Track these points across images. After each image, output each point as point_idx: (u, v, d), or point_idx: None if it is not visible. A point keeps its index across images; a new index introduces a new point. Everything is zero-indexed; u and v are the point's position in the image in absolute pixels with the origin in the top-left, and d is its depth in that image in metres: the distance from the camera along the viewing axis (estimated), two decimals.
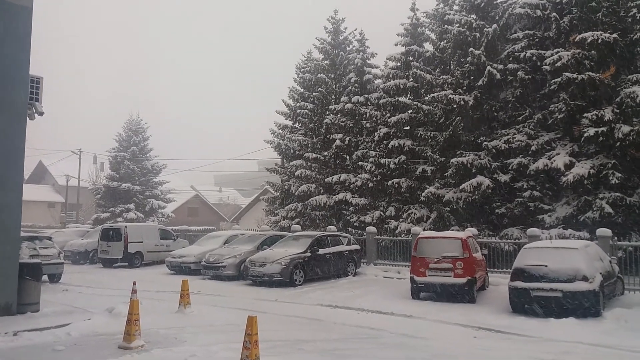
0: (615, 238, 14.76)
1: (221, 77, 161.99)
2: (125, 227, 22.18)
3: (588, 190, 17.40)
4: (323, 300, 13.06)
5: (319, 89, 28.72)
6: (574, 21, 19.34)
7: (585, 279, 10.62)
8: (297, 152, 28.78)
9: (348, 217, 24.66)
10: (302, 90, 30.63)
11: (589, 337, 9.10)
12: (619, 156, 17.50)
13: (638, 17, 17.93)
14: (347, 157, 26.82)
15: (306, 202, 26.18)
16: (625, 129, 16.62)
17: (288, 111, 31.27)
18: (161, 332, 8.99)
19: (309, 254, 16.15)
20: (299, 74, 31.96)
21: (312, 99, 28.98)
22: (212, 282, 16.88)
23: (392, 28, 27.27)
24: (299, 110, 29.28)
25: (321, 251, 16.65)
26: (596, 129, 16.99)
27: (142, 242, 22.23)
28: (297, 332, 9.43)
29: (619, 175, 16.70)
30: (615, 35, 17.72)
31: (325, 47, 29.73)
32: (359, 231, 22.23)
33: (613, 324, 10.13)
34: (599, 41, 17.59)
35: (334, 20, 29.89)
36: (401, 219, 22.13)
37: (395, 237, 20.24)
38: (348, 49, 30.08)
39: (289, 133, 30.63)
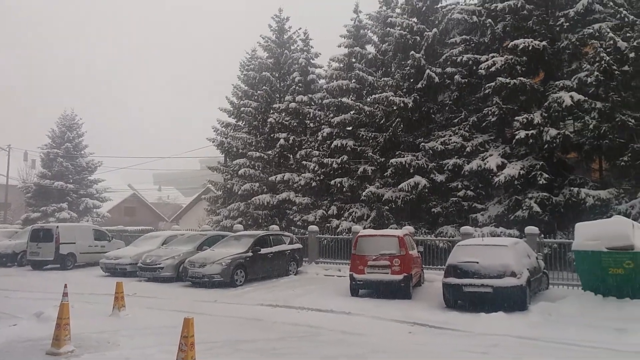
0: (542, 235, 15.64)
1: (161, 72, 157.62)
2: (57, 227, 21.14)
3: (518, 190, 18.33)
4: (264, 299, 13.02)
5: (264, 87, 28.60)
6: (507, 28, 20.32)
7: (513, 274, 11.11)
8: (240, 151, 28.52)
9: (291, 216, 24.71)
10: (246, 88, 30.37)
11: (517, 330, 9.52)
12: (547, 158, 18.57)
13: (565, 27, 19.09)
14: (291, 156, 26.86)
15: (249, 201, 26.02)
16: (553, 132, 17.64)
17: (232, 109, 30.94)
18: (93, 337, 8.67)
19: (250, 254, 16.05)
20: (243, 72, 31.68)
21: (256, 97, 28.80)
22: (149, 284, 16.42)
23: (336, 29, 27.59)
24: (242, 109, 29.02)
25: (263, 251, 16.59)
26: (526, 132, 17.93)
27: (74, 243, 21.26)
28: (236, 333, 9.37)
29: (546, 176, 17.71)
30: (544, 43, 18.76)
31: (270, 46, 29.63)
32: (302, 230, 22.34)
33: (538, 317, 10.61)
34: (530, 48, 18.57)
35: (279, 19, 29.84)
36: (343, 218, 22.45)
37: (336, 236, 20.50)
38: (292, 48, 30.09)
39: (232, 131, 30.29)
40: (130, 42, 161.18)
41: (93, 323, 9.66)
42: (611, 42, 17.02)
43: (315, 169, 24.12)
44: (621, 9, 17.87)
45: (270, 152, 26.87)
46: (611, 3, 18.33)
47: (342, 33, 26.20)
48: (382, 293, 13.18)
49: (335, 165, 23.44)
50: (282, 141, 26.08)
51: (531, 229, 15.37)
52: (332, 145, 23.72)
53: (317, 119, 26.03)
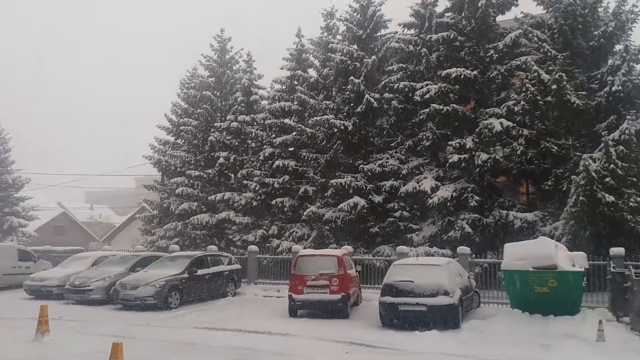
0: (473, 255, 16.28)
1: (97, 84, 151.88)
2: None
3: (451, 212, 19.06)
4: (199, 322, 12.69)
5: (204, 105, 28.31)
6: (441, 58, 21.36)
7: (446, 293, 11.45)
8: (178, 169, 27.94)
9: (231, 236, 24.38)
10: (186, 106, 29.91)
11: (450, 348, 9.80)
12: (478, 181, 19.47)
13: (495, 58, 20.33)
14: (232, 175, 26.61)
15: (187, 221, 25.44)
16: (484, 156, 18.58)
17: (170, 126, 30.30)
18: None
19: (186, 275, 15.65)
20: (183, 90, 31.19)
21: (196, 116, 28.43)
22: (78, 307, 15.60)
23: (279, 52, 27.90)
24: (182, 127, 28.54)
25: (200, 272, 16.21)
26: (459, 156, 18.77)
27: None
28: (169, 357, 9.07)
29: (477, 198, 18.56)
30: (475, 72, 19.85)
31: (212, 65, 29.45)
32: (242, 250, 22.06)
33: (470, 334, 10.98)
34: (462, 77, 19.58)
35: (221, 39, 29.78)
36: (283, 238, 22.42)
37: (277, 256, 20.40)
38: (235, 68, 30.05)
39: (170, 149, 29.61)
40: (60, 57, 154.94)
41: (14, 350, 9.08)
42: (535, 74, 18.28)
43: (257, 188, 24.03)
44: (544, 44, 19.27)
45: (210, 170, 26.49)
46: (535, 38, 19.74)
47: (284, 56, 26.55)
48: (320, 313, 13.22)
49: (276, 185, 23.45)
50: (222, 160, 25.82)
51: (463, 249, 15.97)
52: (274, 165, 23.76)
53: (259, 138, 26.04)
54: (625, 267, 12.71)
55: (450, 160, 19.01)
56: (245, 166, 25.70)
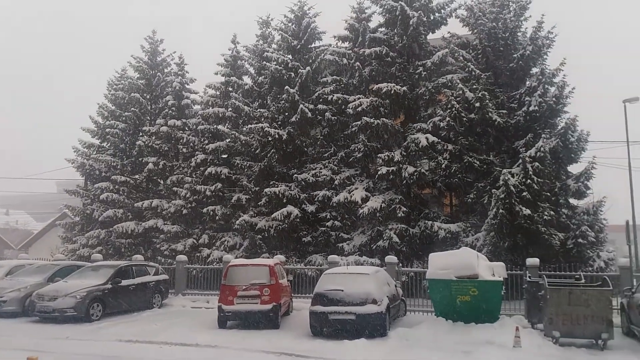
0: (400, 264, 16.81)
1: (18, 81, 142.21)
2: None
3: (380, 222, 19.60)
4: (123, 335, 12.16)
5: (133, 108, 27.34)
6: (373, 72, 22.03)
7: (374, 302, 11.70)
8: (103, 174, 26.77)
9: (158, 246, 23.63)
10: (113, 108, 28.75)
11: (377, 356, 10.03)
12: (405, 192, 20.17)
13: (423, 75, 21.23)
14: (161, 181, 25.86)
15: (111, 228, 24.40)
16: (411, 169, 19.30)
17: (96, 129, 28.93)
18: None
19: (109, 286, 14.97)
20: (110, 91, 29.94)
21: (124, 118, 27.40)
22: None
23: (214, 56, 27.53)
24: (109, 129, 27.40)
25: (124, 282, 15.56)
26: (387, 168, 19.39)
27: None
28: None
29: (405, 209, 19.23)
30: (405, 88, 20.63)
31: (142, 67, 28.51)
32: (170, 260, 21.43)
33: (397, 342, 11.26)
34: (392, 92, 20.27)
35: (152, 41, 28.94)
36: (214, 247, 22.05)
37: (206, 266, 19.98)
38: (166, 71, 29.27)
39: (95, 152, 28.27)
40: None
41: None
42: (460, 92, 19.28)
43: (187, 195, 23.48)
44: (469, 64, 20.37)
45: (137, 176, 25.59)
46: (461, 57, 20.82)
47: (219, 62, 26.24)
48: (251, 324, 13.08)
49: (208, 193, 23.04)
50: (151, 165, 25.03)
51: (391, 258, 16.43)
52: (206, 172, 23.35)
53: (191, 144, 25.50)
54: (539, 276, 13.58)
55: (379, 172, 19.59)
56: (175, 172, 25.08)
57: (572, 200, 18.99)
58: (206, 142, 24.60)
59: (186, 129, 26.13)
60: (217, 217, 22.65)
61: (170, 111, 26.39)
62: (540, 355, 9.95)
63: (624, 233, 17.29)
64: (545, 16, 20.52)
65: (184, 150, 25.92)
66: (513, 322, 11.98)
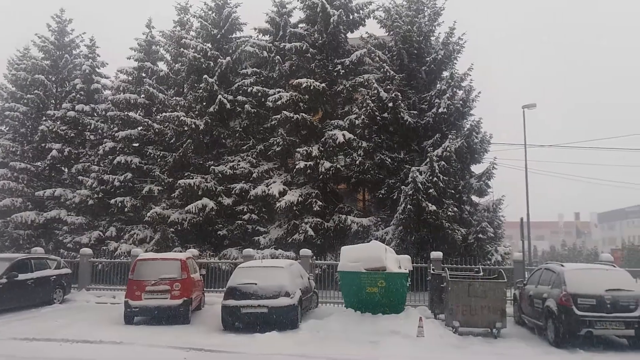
0: (314, 257, 17.11)
1: None
2: None
3: (296, 216, 19.84)
4: (19, 333, 11.37)
5: (36, 91, 25.52)
6: (294, 67, 22.16)
7: (287, 294, 11.85)
8: (1, 160, 24.75)
9: (61, 238, 22.34)
10: (13, 89, 26.64)
11: (288, 348, 10.14)
12: (322, 187, 20.58)
13: (341, 73, 21.67)
14: (66, 170, 24.45)
15: (8, 218, 22.71)
16: (327, 164, 19.68)
17: None
18: None
19: (4, 281, 13.89)
20: (11, 71, 27.67)
21: (26, 101, 25.53)
22: None
23: (128, 40, 26.28)
24: (8, 112, 25.41)
25: (21, 277, 14.49)
26: (305, 163, 19.65)
27: None
28: None
29: (320, 203, 19.61)
30: (324, 84, 20.95)
31: (48, 47, 26.59)
32: (73, 253, 20.27)
33: (308, 334, 11.46)
34: (311, 87, 20.53)
35: (60, 20, 27.07)
36: (123, 240, 21.25)
37: (113, 260, 19.13)
38: (75, 52, 27.54)
39: None
40: None
41: None
42: (376, 91, 19.92)
43: (94, 185, 22.31)
44: (385, 65, 21.08)
45: (39, 163, 24.00)
46: (377, 58, 21.49)
47: (132, 46, 25.10)
48: (160, 319, 12.74)
49: (117, 183, 22.08)
50: (55, 152, 23.53)
51: (305, 251, 16.66)
52: (115, 161, 22.37)
53: (100, 131, 24.26)
54: (442, 269, 14.40)
55: (297, 167, 19.80)
56: (81, 160, 23.82)
57: (474, 198, 20.35)
58: (116, 129, 23.50)
59: (95, 114, 24.81)
60: (126, 209, 21.79)
61: (78, 95, 24.93)
62: (441, 344, 10.55)
63: (519, 229, 18.80)
64: (456, 23, 21.73)
65: (92, 137, 24.59)
66: (417, 313, 12.60)
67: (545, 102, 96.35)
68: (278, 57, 21.81)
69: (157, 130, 22.59)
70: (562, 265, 11.58)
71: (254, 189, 20.39)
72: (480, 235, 18.32)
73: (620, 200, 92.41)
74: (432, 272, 14.23)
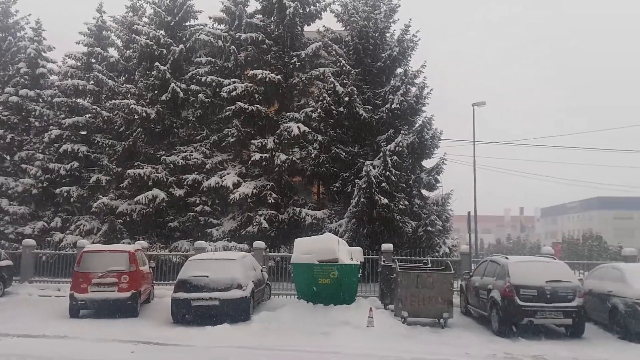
0: (268, 250, 17.11)
1: None
2: None
3: (251, 208, 19.74)
4: None
5: None
6: (249, 58, 21.93)
7: (239, 287, 11.83)
8: None
9: (2, 228, 21.39)
10: None
11: (239, 340, 10.12)
12: (277, 179, 20.50)
13: (297, 66, 21.63)
14: (8, 157, 23.41)
15: None
16: (283, 157, 19.66)
17: None
18: None
19: None
20: None
21: None
22: None
23: (77, 25, 25.29)
24: None
25: None
26: (261, 155, 19.56)
27: None
28: None
29: (275, 196, 19.57)
30: (280, 77, 20.87)
31: None
32: (15, 244, 19.42)
33: (259, 326, 11.47)
34: (267, 79, 20.40)
35: (2, 0, 25.69)
36: (69, 231, 20.61)
37: (58, 251, 18.43)
38: (19, 35, 26.26)
39: None
40: None
41: None
42: (332, 85, 20.04)
43: (38, 174, 21.46)
44: (341, 59, 21.22)
45: None
46: (334, 52, 21.61)
47: (82, 30, 24.14)
48: (107, 312, 12.45)
49: (63, 172, 21.35)
50: None
51: (259, 244, 16.61)
52: (61, 150, 21.61)
53: (45, 118, 23.32)
54: (392, 261, 14.73)
55: (252, 158, 19.68)
56: (25, 148, 22.90)
57: (424, 192, 20.90)
58: (63, 116, 22.66)
59: (40, 100, 23.79)
60: (72, 199, 21.13)
61: (22, 80, 23.84)
62: (390, 334, 10.81)
63: (466, 223, 19.43)
64: (412, 20, 22.14)
65: (37, 123, 23.63)
66: (368, 304, 12.84)
67: (498, 100, 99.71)
68: (233, 47, 21.51)
69: (106, 118, 21.91)
70: (507, 258, 12.06)
71: (207, 180, 20.11)
72: (429, 228, 18.82)
73: (561, 196, 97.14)
74: (382, 263, 14.52)
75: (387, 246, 15.59)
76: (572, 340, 10.60)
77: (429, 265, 14.06)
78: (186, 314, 11.86)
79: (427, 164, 21.56)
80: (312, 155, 19.81)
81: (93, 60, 23.61)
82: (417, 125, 20.95)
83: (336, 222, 19.20)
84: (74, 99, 22.50)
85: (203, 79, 21.64)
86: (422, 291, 11.79)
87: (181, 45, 22.14)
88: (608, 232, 57.42)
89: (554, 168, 79.68)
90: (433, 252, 18.13)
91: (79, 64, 24.06)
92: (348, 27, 22.40)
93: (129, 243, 17.78)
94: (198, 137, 21.71)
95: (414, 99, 20.83)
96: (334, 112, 19.99)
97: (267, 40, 21.61)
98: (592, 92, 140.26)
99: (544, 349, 9.70)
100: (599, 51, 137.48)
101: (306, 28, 23.17)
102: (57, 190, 21.17)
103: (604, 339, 10.76)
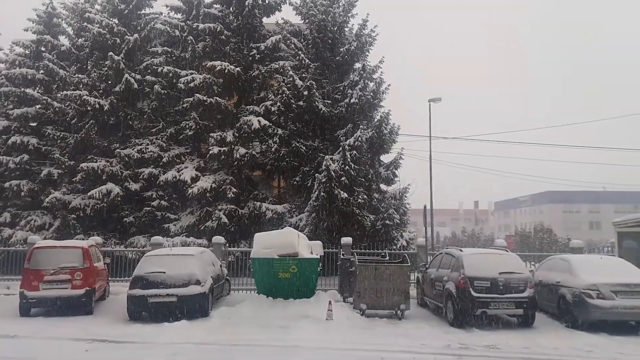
0: (227, 244, 16.97)
1: None
2: None
3: (209, 202, 19.51)
4: None
5: None
6: (207, 49, 21.54)
7: (198, 282, 11.68)
8: None
9: None
10: None
11: (198, 336, 9.99)
12: (236, 174, 20.34)
13: (257, 58, 21.45)
14: None
15: None
16: (242, 150, 19.51)
17: None
18: None
19: None
20: None
21: None
22: None
23: (25, 11, 24.19)
24: None
25: None
26: (220, 148, 19.32)
27: None
28: None
29: (235, 190, 19.41)
30: (239, 69, 20.63)
31: None
32: None
33: (218, 321, 11.40)
34: (226, 71, 20.13)
35: None
36: (18, 227, 19.92)
37: (8, 248, 17.71)
38: None
39: None
40: None
41: None
42: (291, 79, 20.00)
43: None
44: (300, 52, 21.18)
45: None
46: (293, 45, 21.54)
47: (30, 17, 23.11)
48: (60, 310, 12.06)
49: (12, 165, 20.50)
50: None
51: (218, 239, 16.45)
52: (10, 142, 20.80)
53: None
54: (351, 254, 14.90)
55: (211, 152, 19.42)
56: None
57: (382, 186, 21.22)
58: (11, 107, 21.71)
59: None
60: (22, 193, 20.36)
61: None
62: (348, 327, 10.94)
63: (422, 216, 19.84)
64: (369, 15, 22.30)
65: None
66: (327, 297, 12.95)
67: (455, 95, 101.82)
68: (191, 37, 21.09)
69: (57, 109, 21.11)
70: (461, 250, 12.41)
71: (164, 174, 19.72)
72: (387, 222, 19.13)
73: (514, 190, 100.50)
74: (342, 257, 14.65)
75: (346, 239, 15.75)
76: (523, 330, 11.00)
77: (387, 258, 14.29)
78: (143, 311, 11.63)
79: (386, 158, 21.94)
80: (273, 149, 19.75)
81: (43, 49, 22.67)
82: (375, 120, 21.21)
83: (297, 216, 19.23)
84: (22, 89, 21.58)
85: (159, 70, 21.15)
86: (380, 284, 11.98)
87: (136, 35, 21.54)
88: (557, 225, 60.00)
89: (507, 163, 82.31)
90: (391, 245, 18.46)
91: (27, 52, 23.05)
92: (307, 21, 22.36)
93: (83, 239, 17.27)
94: (154, 130, 21.23)
95: (372, 93, 21.07)
96: (294, 106, 19.97)
97: (225, 31, 21.30)
98: (547, 87, 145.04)
99: (496, 338, 10.04)
100: (552, 44, 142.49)
101: (265, 20, 22.99)
102: (7, 184, 20.31)
103: (553, 327, 11.21)
